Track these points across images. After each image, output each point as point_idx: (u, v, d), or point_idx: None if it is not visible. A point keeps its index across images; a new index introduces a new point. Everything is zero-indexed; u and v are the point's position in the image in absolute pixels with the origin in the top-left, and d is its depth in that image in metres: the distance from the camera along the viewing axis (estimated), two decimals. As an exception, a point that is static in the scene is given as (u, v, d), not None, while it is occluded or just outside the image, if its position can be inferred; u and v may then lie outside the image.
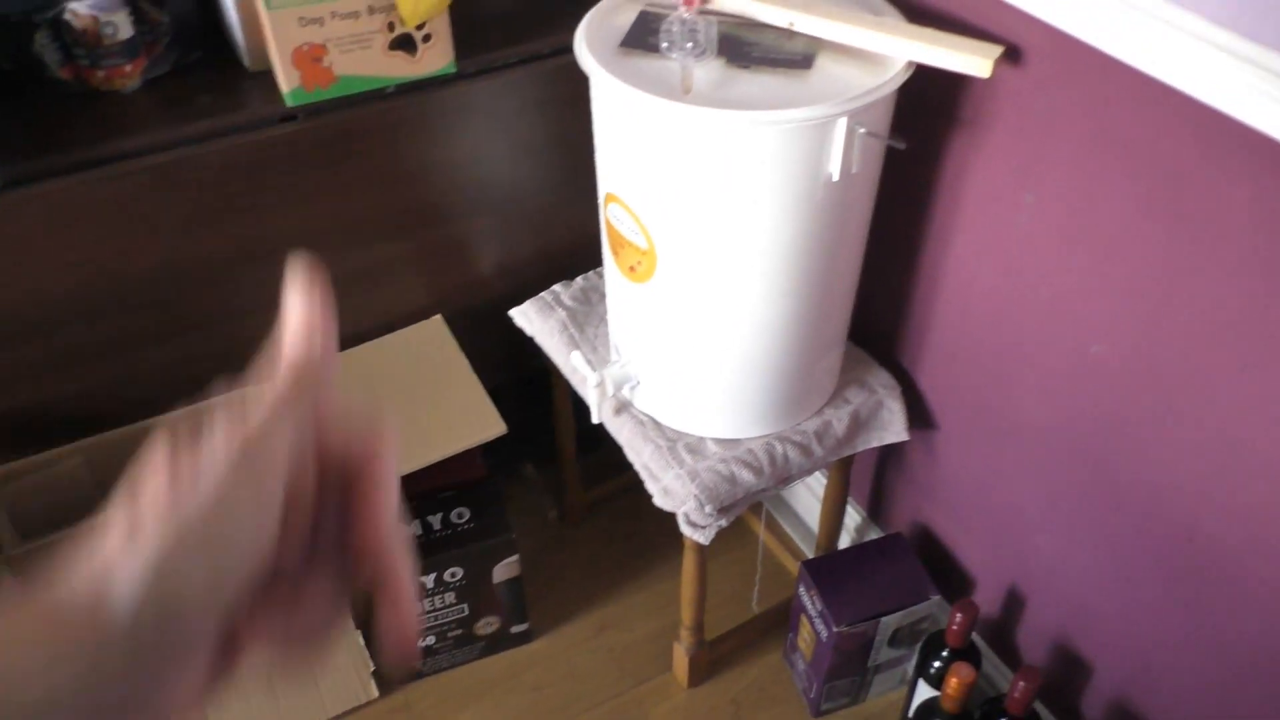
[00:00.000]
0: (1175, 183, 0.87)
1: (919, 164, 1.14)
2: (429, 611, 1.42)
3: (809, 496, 1.63)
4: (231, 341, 1.32)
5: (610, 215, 1.10)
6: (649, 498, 1.21)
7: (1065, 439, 1.10)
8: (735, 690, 1.49)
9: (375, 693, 1.43)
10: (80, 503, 1.32)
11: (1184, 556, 1.00)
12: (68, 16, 1.11)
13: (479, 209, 1.36)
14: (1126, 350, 0.98)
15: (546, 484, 1.74)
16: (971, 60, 0.92)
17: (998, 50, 0.92)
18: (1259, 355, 0.85)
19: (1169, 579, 1.03)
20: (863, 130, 0.94)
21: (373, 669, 1.28)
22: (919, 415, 1.31)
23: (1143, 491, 1.02)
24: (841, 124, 0.93)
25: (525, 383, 1.55)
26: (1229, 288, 0.86)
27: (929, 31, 0.96)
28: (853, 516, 1.56)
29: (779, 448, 1.20)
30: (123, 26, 1.14)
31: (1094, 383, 1.03)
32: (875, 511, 1.53)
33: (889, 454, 1.44)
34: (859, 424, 1.25)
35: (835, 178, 0.97)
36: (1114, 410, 1.02)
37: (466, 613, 1.46)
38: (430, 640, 1.46)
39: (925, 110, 1.09)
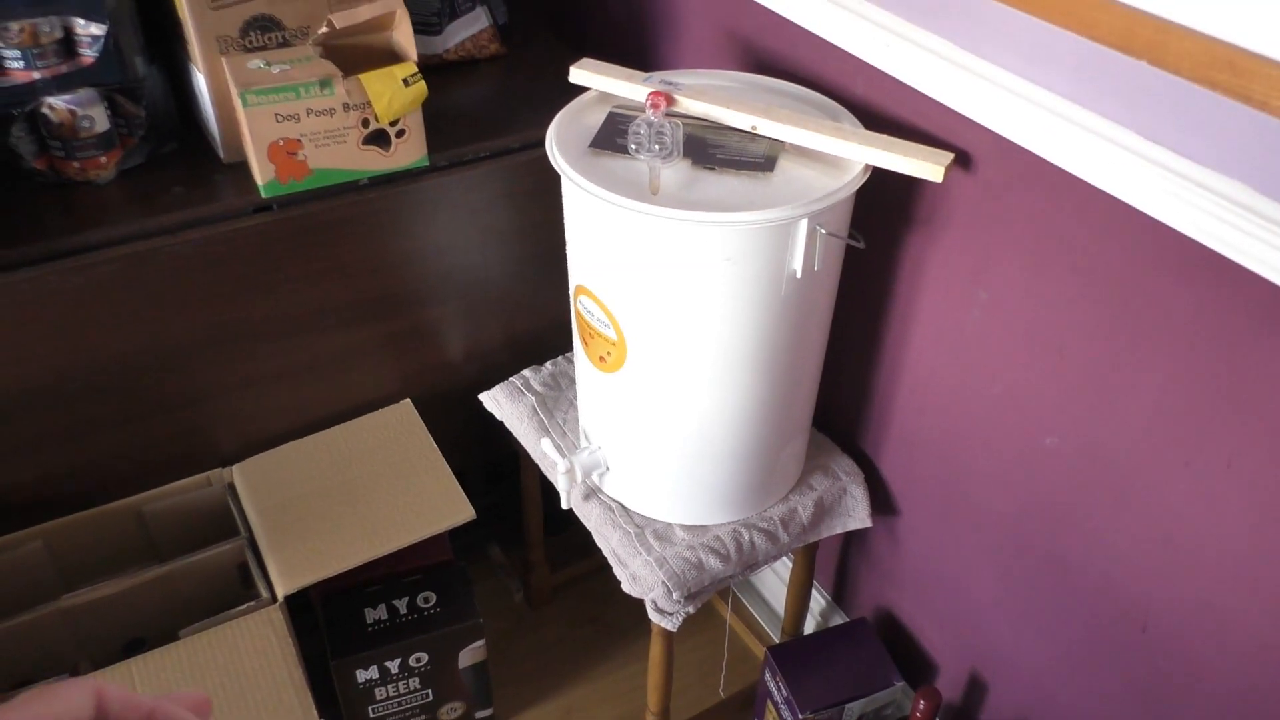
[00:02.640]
0: (1120, 286, 0.91)
1: (878, 260, 1.18)
2: (392, 697, 1.40)
3: (774, 580, 1.64)
4: (195, 425, 1.32)
5: (581, 306, 1.12)
6: (615, 580, 1.21)
7: (1021, 528, 1.13)
8: (702, 777, 1.48)
9: (336, 783, 1.40)
10: (37, 586, 1.30)
11: (1139, 647, 1.02)
12: (45, 110, 1.13)
13: (449, 295, 1.39)
14: (1078, 443, 1.01)
15: (513, 566, 1.73)
16: (924, 166, 0.97)
17: (949, 156, 0.97)
18: (1199, 453, 0.89)
19: (1125, 669, 1.05)
20: (823, 230, 0.98)
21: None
22: (881, 501, 1.34)
23: (1097, 581, 1.05)
24: (803, 225, 0.96)
25: (493, 465, 1.56)
26: (1172, 387, 0.90)
27: (884, 138, 1.00)
28: (818, 600, 1.57)
29: (746, 534, 1.21)
30: (99, 120, 1.16)
31: (1048, 474, 1.06)
32: (840, 595, 1.54)
33: (853, 538, 1.45)
34: (823, 510, 1.27)
35: (799, 275, 1.00)
36: (1067, 501, 1.05)
37: (431, 698, 1.44)
38: (393, 727, 1.44)
39: (883, 210, 1.13)
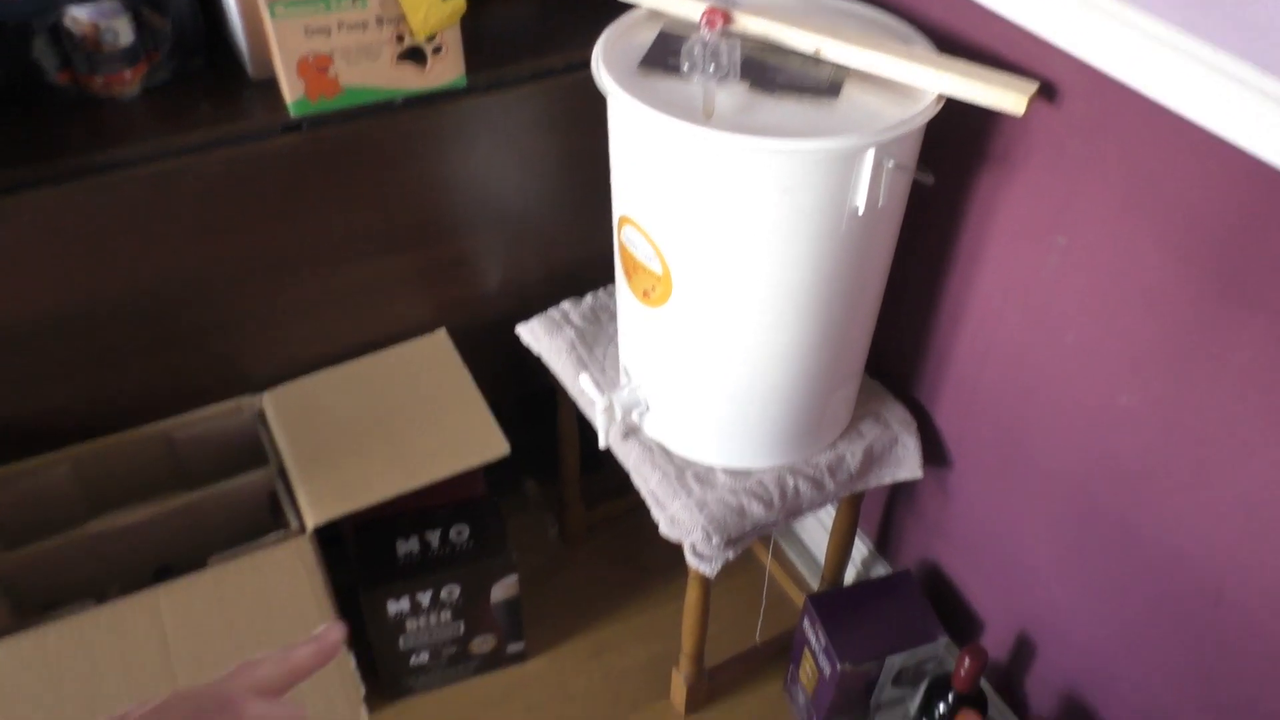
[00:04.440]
0: (1220, 237, 0.83)
1: (945, 199, 1.10)
2: (423, 629, 1.39)
3: (817, 527, 1.59)
4: (225, 351, 1.29)
5: (625, 238, 1.06)
6: (651, 520, 1.17)
7: (1087, 490, 1.06)
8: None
9: (365, 717, 1.39)
10: (65, 510, 1.28)
11: (1208, 621, 0.96)
12: (67, 22, 1.08)
13: (486, 224, 1.33)
14: (1157, 404, 0.94)
15: (547, 502, 1.70)
16: (1005, 96, 0.89)
17: (1033, 87, 0.89)
18: (1299, 419, 0.82)
19: (1192, 644, 0.99)
20: (891, 163, 0.90)
21: (364, 692, 1.25)
22: (934, 453, 1.28)
23: (1167, 551, 0.99)
24: (869, 156, 0.89)
25: (529, 399, 1.51)
26: (1269, 349, 0.82)
27: (961, 64, 0.92)
28: (860, 549, 1.52)
29: (790, 480, 1.16)
30: (123, 33, 1.10)
31: (1120, 435, 0.99)
32: (883, 546, 1.49)
33: (901, 489, 1.40)
34: (872, 459, 1.22)
35: (860, 211, 0.93)
36: (1141, 465, 0.98)
37: (462, 631, 1.42)
38: (424, 658, 1.43)
39: (955, 144, 1.05)
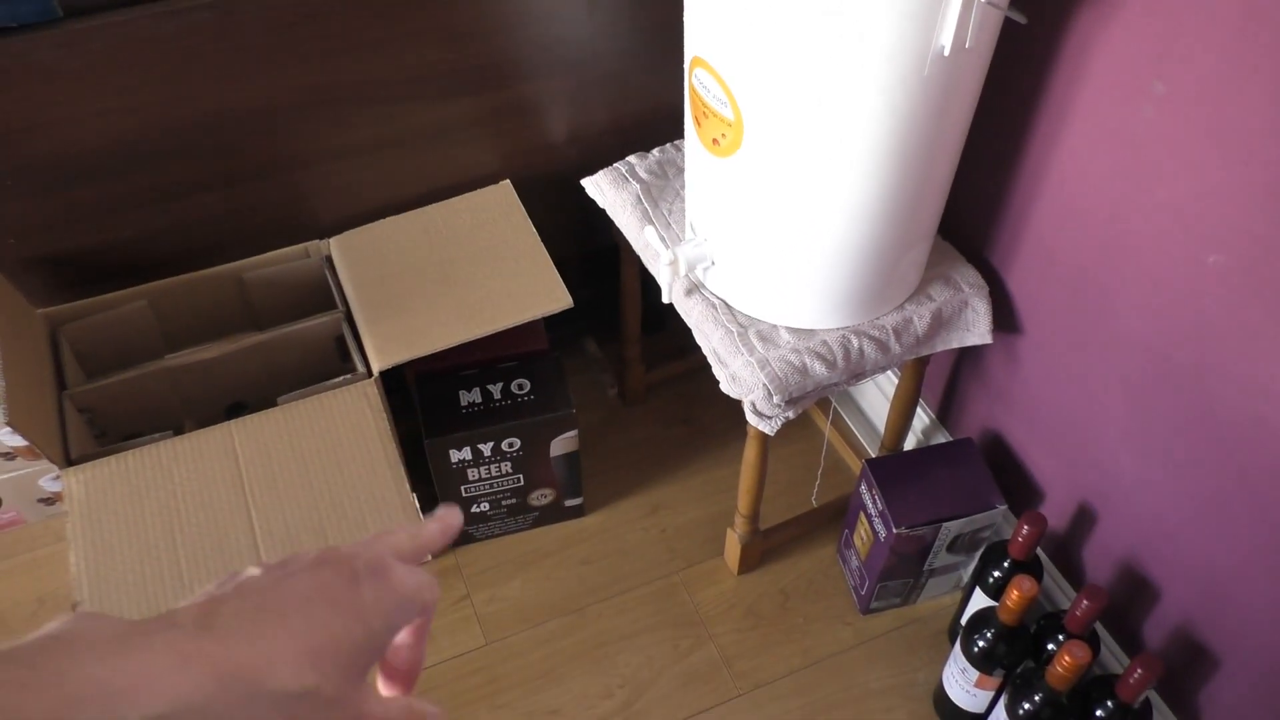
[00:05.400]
0: (1336, 77, 0.77)
1: (1036, 41, 1.04)
2: (484, 479, 1.42)
3: (877, 394, 1.58)
4: (292, 192, 1.29)
5: (695, 81, 1.02)
6: (711, 382, 1.17)
7: (1166, 357, 1.03)
8: (785, 581, 1.48)
9: (427, 555, 1.44)
10: (143, 345, 1.32)
11: (1283, 488, 0.94)
12: None
13: (554, 69, 1.29)
14: (1248, 263, 0.90)
15: (607, 361, 1.71)
16: (1115, -76, 0.82)
17: (1147, -87, 0.82)
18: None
19: (1259, 513, 0.97)
20: (983, -1, 0.85)
21: (426, 531, 1.29)
22: (1005, 318, 1.24)
23: (1246, 421, 0.95)
24: (960, -10, 0.84)
25: (593, 255, 1.50)
26: (1382, 199, 0.77)
27: (1069, -111, 0.85)
28: (921, 418, 1.51)
29: (855, 341, 1.15)
30: None
31: (1206, 297, 0.95)
32: (945, 414, 1.47)
33: (966, 356, 1.37)
34: (941, 323, 1.19)
35: (946, 52, 0.88)
36: (1226, 329, 0.94)
37: (521, 483, 1.45)
38: (484, 507, 1.46)
39: (1052, -19, 0.99)
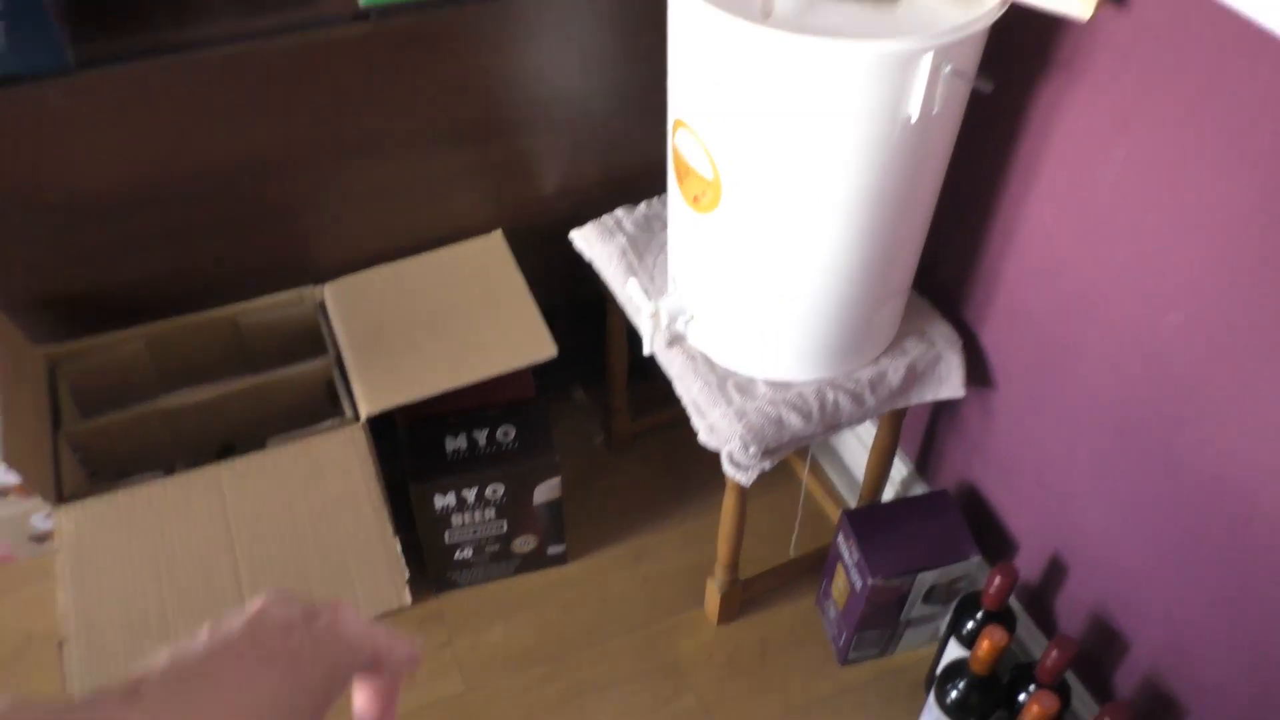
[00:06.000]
0: None
1: (1004, 108, 1.09)
2: (468, 525, 1.44)
3: (856, 445, 1.61)
4: (288, 239, 1.33)
5: (677, 141, 1.07)
6: (695, 431, 1.20)
7: (1129, 410, 1.06)
8: (764, 630, 1.49)
9: (408, 600, 1.45)
10: (138, 385, 1.35)
11: (1240, 543, 0.96)
12: (148, -101, 1.10)
13: (547, 125, 1.34)
14: (1208, 322, 0.93)
15: (594, 408, 1.74)
16: (1071, 1, 0.87)
17: (1101, -8, 0.87)
18: (1348, 338, 0.81)
19: (1221, 564, 1.00)
20: (949, 68, 0.90)
21: (407, 576, 1.30)
22: (978, 372, 1.28)
23: (1208, 469, 0.98)
24: (927, 60, 0.88)
25: (581, 305, 1.54)
26: (1324, 264, 0.81)
27: (1029, -32, 0.90)
28: (899, 469, 1.53)
29: (830, 394, 1.18)
30: (202, -86, 1.12)
31: (1166, 354, 0.99)
32: (923, 466, 1.50)
33: (943, 409, 1.40)
34: (915, 376, 1.22)
35: (915, 118, 0.93)
36: (1185, 384, 0.98)
37: (505, 530, 1.47)
38: (468, 553, 1.48)
39: (1015, 51, 1.04)
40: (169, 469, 1.32)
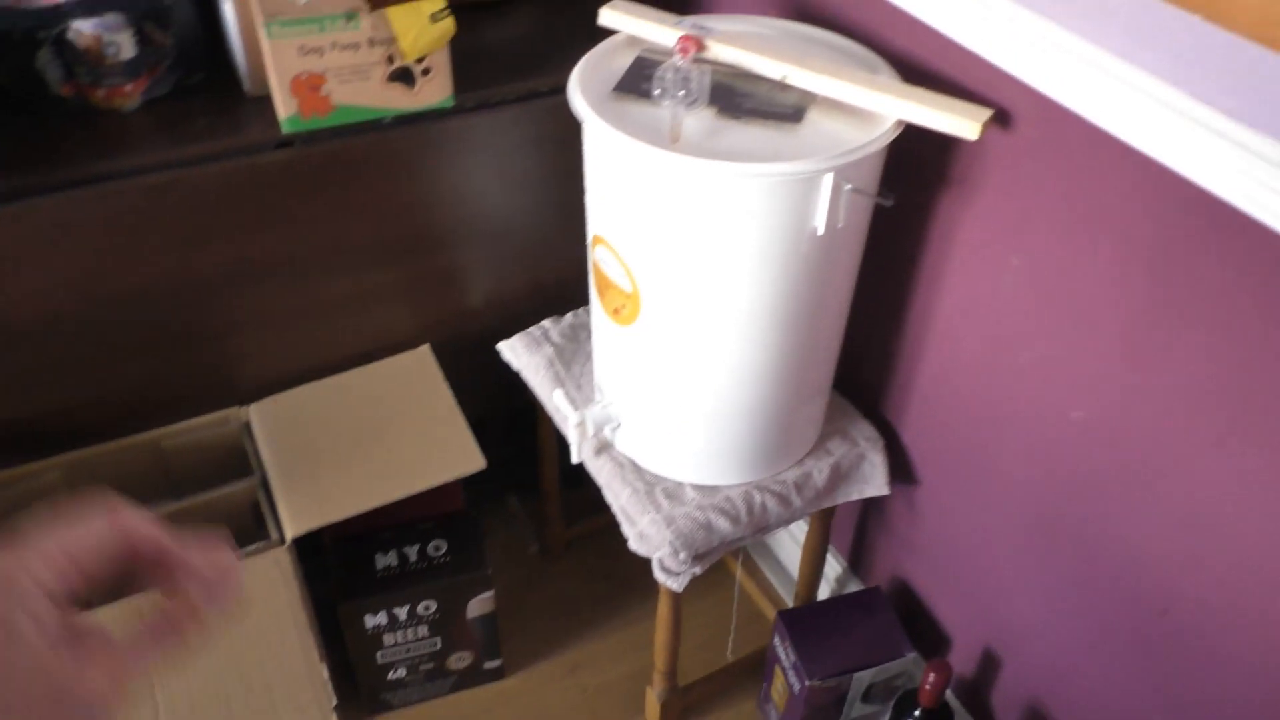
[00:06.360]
0: (1160, 255, 0.87)
1: (907, 220, 1.14)
2: (400, 643, 1.41)
3: (790, 543, 1.62)
4: (214, 361, 1.32)
5: (597, 257, 1.10)
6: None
7: (1044, 504, 1.09)
8: (707, 738, 1.47)
9: (339, 724, 1.41)
10: (56, 517, 1.31)
11: (1161, 629, 0.99)
12: (71, 35, 1.12)
13: (471, 241, 1.37)
14: (1107, 417, 0.97)
15: (529, 517, 1.73)
16: (960, 122, 0.93)
17: (986, 113, 0.93)
18: (1233, 431, 0.85)
19: (1146, 650, 1.02)
20: (849, 186, 0.94)
21: (334, 703, 1.27)
22: (901, 469, 1.30)
23: (1120, 560, 1.01)
24: (828, 179, 0.93)
25: (513, 414, 1.55)
26: (1205, 361, 0.86)
27: (920, 91, 0.96)
28: (834, 566, 1.54)
29: (758, 497, 1.19)
30: (126, 47, 1.15)
31: (1074, 448, 1.02)
32: (856, 562, 1.51)
33: (871, 506, 1.43)
34: (840, 476, 1.24)
35: (820, 232, 0.97)
36: (1093, 478, 1.01)
37: (439, 647, 1.44)
38: (401, 673, 1.45)
39: (915, 168, 1.09)
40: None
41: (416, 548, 1.39)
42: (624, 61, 1.07)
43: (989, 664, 1.28)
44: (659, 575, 1.17)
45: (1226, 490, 0.87)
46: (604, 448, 1.25)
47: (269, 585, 1.22)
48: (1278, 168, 0.72)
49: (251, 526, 1.35)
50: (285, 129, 1.16)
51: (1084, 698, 1.13)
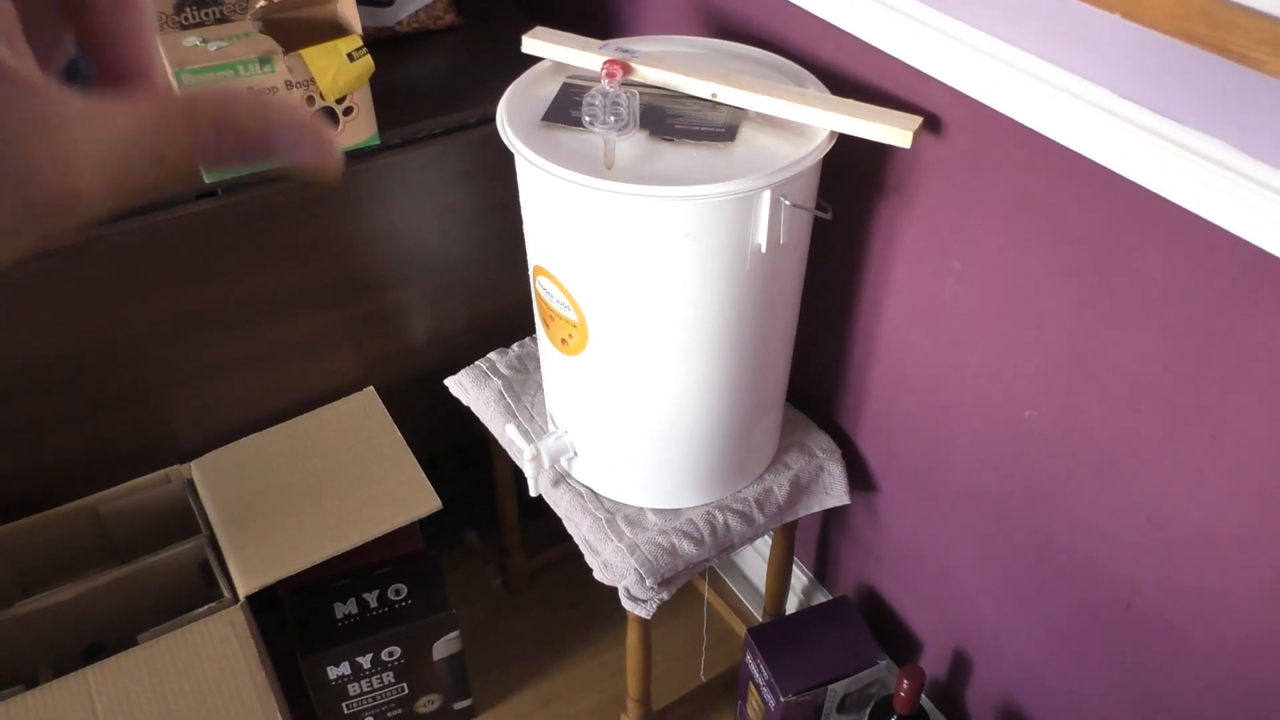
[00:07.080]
0: (1098, 253, 0.87)
1: (849, 231, 1.14)
2: (366, 692, 1.37)
3: (756, 558, 1.61)
4: (150, 420, 1.28)
5: (540, 287, 1.08)
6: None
7: (1002, 504, 1.09)
8: (686, 761, 1.45)
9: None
10: (-8, 594, 1.26)
11: (1124, 623, 0.99)
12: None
13: (409, 279, 1.34)
14: (1058, 417, 0.98)
15: (489, 552, 1.70)
16: (892, 131, 0.92)
17: (917, 121, 0.92)
18: (1182, 426, 0.86)
19: (1110, 648, 1.02)
20: (787, 202, 0.93)
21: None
22: (860, 478, 1.30)
23: (1080, 558, 1.02)
24: (766, 196, 0.92)
25: (466, 449, 1.52)
26: (1153, 357, 0.86)
27: (850, 103, 0.96)
28: (799, 578, 1.54)
29: (720, 517, 1.18)
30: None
31: (1028, 448, 1.03)
32: (821, 573, 1.51)
33: (833, 516, 1.42)
34: (800, 489, 1.24)
35: (763, 249, 0.96)
36: (1048, 476, 1.02)
37: (406, 691, 1.41)
38: (369, 721, 1.41)
39: (852, 179, 1.09)
40: (32, 679, 1.22)
41: (376, 593, 1.35)
42: (551, 89, 1.06)
43: (961, 665, 1.28)
44: (626, 604, 1.15)
45: (1180, 481, 0.88)
46: (561, 478, 1.23)
47: (224, 648, 1.18)
48: (1204, 159, 0.73)
49: (201, 587, 1.30)
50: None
51: (1057, 692, 1.14)
